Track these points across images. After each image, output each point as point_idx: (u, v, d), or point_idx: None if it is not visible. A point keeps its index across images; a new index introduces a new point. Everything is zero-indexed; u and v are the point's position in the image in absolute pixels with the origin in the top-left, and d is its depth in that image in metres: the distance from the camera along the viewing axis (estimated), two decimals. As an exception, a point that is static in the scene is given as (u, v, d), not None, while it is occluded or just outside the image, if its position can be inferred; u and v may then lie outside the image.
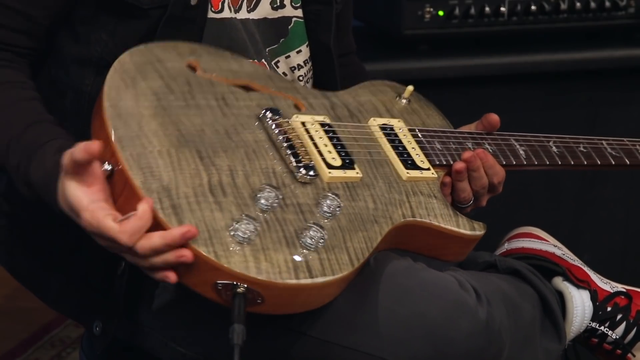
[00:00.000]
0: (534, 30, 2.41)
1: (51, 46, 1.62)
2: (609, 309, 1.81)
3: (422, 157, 1.63)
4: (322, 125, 1.57)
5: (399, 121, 1.67)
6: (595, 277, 1.84)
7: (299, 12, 1.73)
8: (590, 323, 1.80)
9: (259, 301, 1.38)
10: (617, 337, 1.81)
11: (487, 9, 2.35)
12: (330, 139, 1.55)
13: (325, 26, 1.76)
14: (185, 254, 1.35)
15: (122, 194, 1.39)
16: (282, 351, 1.56)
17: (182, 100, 1.48)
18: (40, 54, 1.60)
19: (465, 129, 1.76)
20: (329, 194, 1.48)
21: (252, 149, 1.48)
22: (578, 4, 2.39)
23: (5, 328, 2.74)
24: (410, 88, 1.73)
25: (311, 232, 1.43)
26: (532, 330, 1.69)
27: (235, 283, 1.36)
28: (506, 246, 1.91)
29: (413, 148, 1.63)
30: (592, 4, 2.39)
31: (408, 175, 1.59)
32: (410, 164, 1.61)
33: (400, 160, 1.60)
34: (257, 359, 1.55)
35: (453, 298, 1.56)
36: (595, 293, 1.81)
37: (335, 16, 1.77)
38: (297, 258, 1.40)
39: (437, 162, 1.64)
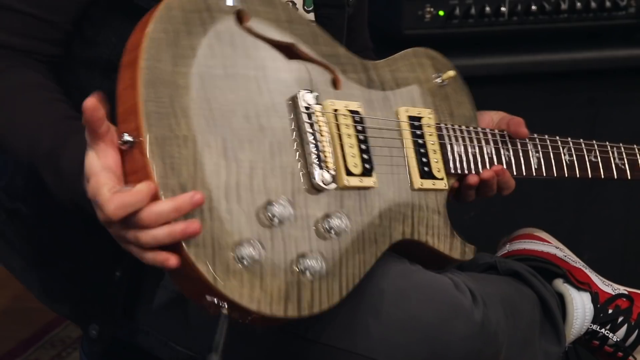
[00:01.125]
0: (535, 30, 2.40)
1: None
2: (610, 311, 1.81)
3: (440, 163, 1.62)
4: (354, 117, 1.53)
5: (429, 113, 1.64)
6: (596, 279, 1.84)
7: (312, 16, 1.72)
8: (591, 325, 1.80)
9: (244, 321, 1.38)
10: (619, 339, 1.81)
11: (487, 9, 2.35)
12: (358, 137, 1.52)
13: (337, 30, 1.75)
14: (195, 225, 1.30)
15: (134, 174, 1.34)
16: (276, 353, 1.56)
17: (221, 68, 1.42)
18: (61, 61, 1.58)
19: (486, 118, 1.75)
20: (339, 213, 1.46)
21: (278, 140, 1.44)
22: (578, 4, 2.38)
23: (5, 328, 2.74)
24: (451, 73, 1.70)
25: (312, 262, 1.41)
26: (531, 332, 1.69)
27: (223, 304, 1.34)
28: (507, 247, 1.91)
29: (434, 151, 1.62)
30: (593, 4, 2.39)
31: (421, 185, 1.58)
32: (426, 172, 1.59)
33: (418, 166, 1.59)
34: None
35: (448, 300, 1.56)
36: (596, 295, 1.81)
37: (348, 19, 1.77)
38: (291, 286, 1.39)
39: (453, 171, 1.63)
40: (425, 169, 1.59)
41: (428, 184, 1.59)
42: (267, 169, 1.42)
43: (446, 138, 1.64)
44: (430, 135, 1.62)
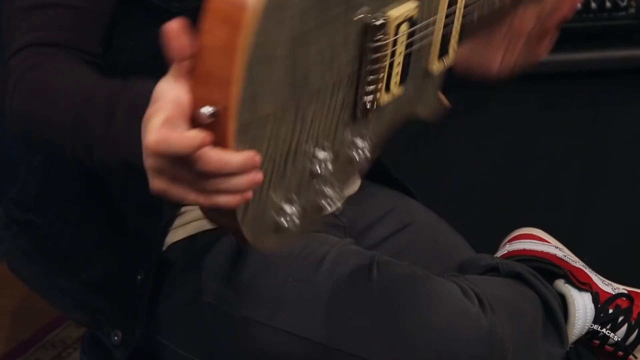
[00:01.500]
0: (535, 30, 2.40)
1: None
2: (610, 311, 1.81)
3: (456, 44, 1.53)
4: (409, 29, 1.39)
5: None
6: (596, 279, 1.84)
7: None
8: (592, 325, 1.80)
9: None
10: (619, 339, 1.81)
11: (488, 9, 2.35)
12: (406, 50, 1.40)
13: None
14: (259, 177, 1.18)
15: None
16: (283, 356, 1.56)
17: (315, 18, 1.21)
18: (101, 65, 1.49)
19: None
20: (364, 137, 1.37)
21: (340, 77, 1.30)
22: (578, 5, 2.38)
23: (5, 328, 2.74)
24: None
25: (331, 195, 1.32)
26: (534, 334, 1.69)
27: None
28: (507, 248, 1.91)
29: (455, 37, 1.52)
30: (593, 5, 2.39)
31: (434, 72, 1.51)
32: (442, 58, 1.51)
33: (438, 54, 1.50)
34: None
35: (456, 306, 1.56)
36: (596, 295, 1.81)
37: None
38: (313, 219, 1.33)
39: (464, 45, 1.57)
40: (444, 54, 1.51)
41: (440, 67, 1.52)
42: (323, 114, 1.29)
43: (469, 13, 1.55)
44: (458, 19, 1.52)
